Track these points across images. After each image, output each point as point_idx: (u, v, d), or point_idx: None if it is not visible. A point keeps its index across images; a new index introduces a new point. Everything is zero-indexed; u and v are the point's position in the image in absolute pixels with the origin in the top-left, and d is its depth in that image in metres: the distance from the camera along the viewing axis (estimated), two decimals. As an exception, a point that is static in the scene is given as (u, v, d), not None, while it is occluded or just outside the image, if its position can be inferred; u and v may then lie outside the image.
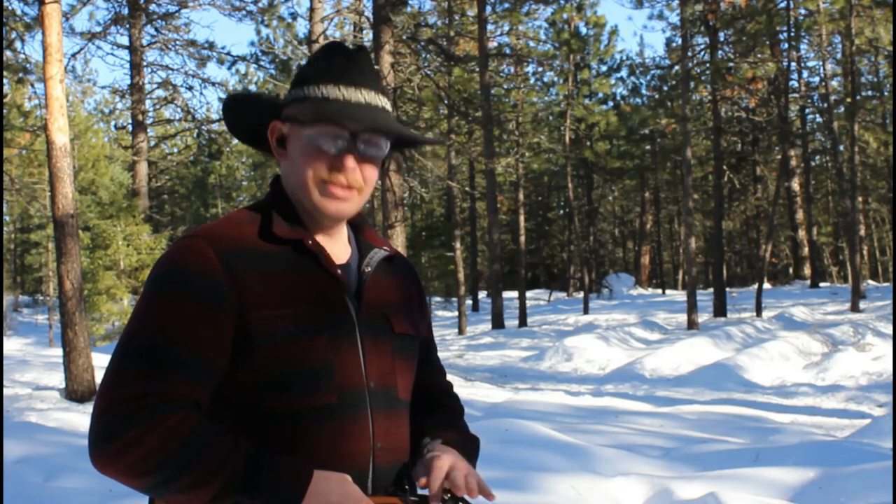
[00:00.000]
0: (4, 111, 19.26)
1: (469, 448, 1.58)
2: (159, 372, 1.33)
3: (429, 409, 1.63)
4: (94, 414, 1.32)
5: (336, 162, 1.45)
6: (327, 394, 1.40)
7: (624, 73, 37.42)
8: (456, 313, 26.82)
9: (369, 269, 1.53)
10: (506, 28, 26.99)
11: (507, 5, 24.64)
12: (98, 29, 21.41)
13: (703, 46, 24.15)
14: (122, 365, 1.34)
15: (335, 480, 1.35)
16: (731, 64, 23.44)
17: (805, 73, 32.31)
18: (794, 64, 28.65)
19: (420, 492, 1.50)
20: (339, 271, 1.47)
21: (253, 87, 37.70)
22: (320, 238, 1.50)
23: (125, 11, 21.06)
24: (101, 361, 10.71)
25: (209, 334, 1.36)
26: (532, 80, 30.77)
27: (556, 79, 29.96)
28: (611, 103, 32.54)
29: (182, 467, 1.29)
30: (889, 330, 15.64)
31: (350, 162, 1.46)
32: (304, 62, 1.47)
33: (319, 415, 1.40)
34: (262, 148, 1.61)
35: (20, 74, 16.04)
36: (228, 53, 22.77)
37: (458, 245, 26.32)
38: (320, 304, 1.43)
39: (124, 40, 23.67)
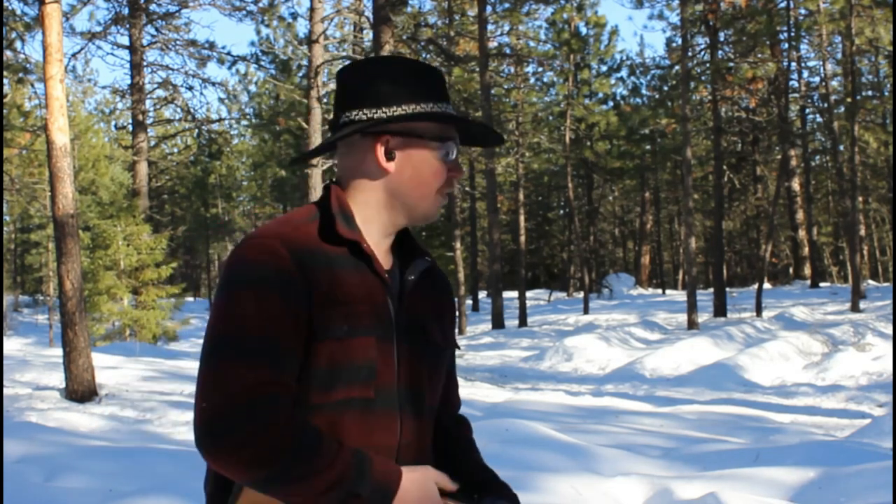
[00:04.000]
0: (4, 111, 19.26)
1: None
2: (268, 363, 1.39)
3: (454, 442, 1.73)
4: (207, 407, 1.36)
5: (457, 173, 1.61)
6: (367, 388, 1.49)
7: (624, 73, 37.38)
8: (456, 313, 26.79)
9: (412, 277, 1.61)
10: (506, 28, 27.00)
11: (507, 5, 24.64)
12: (98, 29, 21.42)
13: (703, 46, 24.14)
14: (228, 358, 1.39)
15: (419, 477, 1.47)
16: (731, 64, 23.43)
17: (805, 73, 32.34)
18: (794, 64, 28.67)
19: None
20: (387, 276, 1.56)
21: (253, 88, 37.74)
22: (371, 244, 1.58)
23: (125, 11, 21.06)
24: (101, 361, 10.72)
25: (295, 329, 1.44)
26: (532, 80, 30.75)
27: (556, 79, 29.96)
28: (611, 103, 32.53)
29: (302, 456, 1.36)
30: (889, 330, 15.64)
31: (462, 171, 1.63)
32: (380, 78, 1.59)
33: (357, 406, 1.48)
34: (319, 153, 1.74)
35: (20, 74, 16.05)
36: (228, 53, 22.78)
37: (458, 245, 26.30)
38: (372, 306, 1.52)
39: (124, 40, 23.67)
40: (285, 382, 1.40)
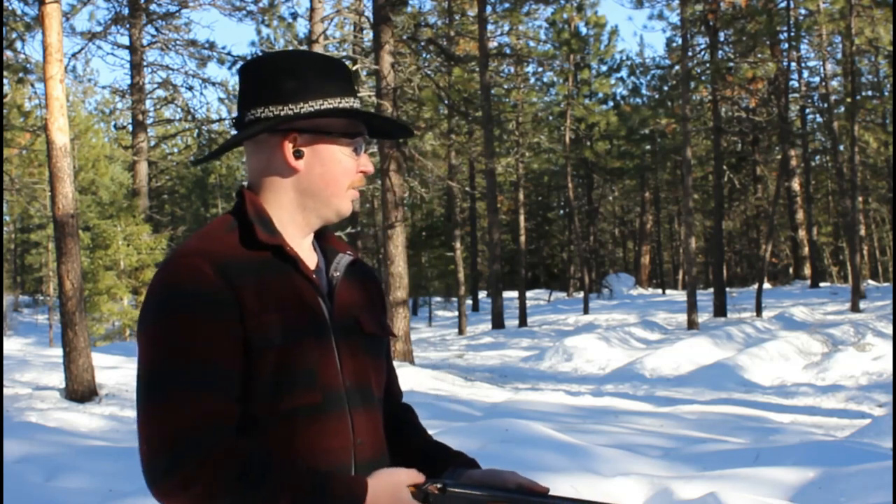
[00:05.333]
0: (4, 111, 19.26)
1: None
2: (206, 392, 1.36)
3: (402, 427, 1.71)
4: (146, 449, 1.35)
5: (366, 168, 1.59)
6: (313, 393, 1.46)
7: (624, 73, 37.33)
8: (456, 313, 26.81)
9: (338, 273, 1.59)
10: (506, 28, 26.99)
11: (507, 5, 24.64)
12: (98, 29, 21.42)
13: (703, 46, 24.15)
14: (162, 393, 1.36)
15: (387, 484, 1.43)
16: (731, 64, 23.43)
17: (805, 73, 32.35)
18: (794, 64, 28.66)
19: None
20: (314, 276, 1.54)
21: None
22: (293, 245, 1.56)
23: (125, 11, 21.06)
24: (101, 361, 10.72)
25: (230, 347, 1.41)
26: (532, 80, 30.76)
27: (556, 79, 29.96)
28: (611, 103, 32.52)
29: (251, 487, 1.33)
30: (889, 330, 15.64)
31: (372, 166, 1.61)
32: (283, 74, 1.54)
33: (306, 414, 1.46)
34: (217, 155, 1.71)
35: (20, 74, 16.03)
36: (229, 53, 22.75)
37: (458, 245, 26.31)
38: (302, 309, 1.49)
39: (124, 40, 23.64)
40: (227, 410, 1.37)
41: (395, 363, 1.76)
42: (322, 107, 1.52)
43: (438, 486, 1.47)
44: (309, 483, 1.36)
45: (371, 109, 21.28)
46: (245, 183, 1.61)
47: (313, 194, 1.55)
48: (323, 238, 1.64)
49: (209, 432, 1.34)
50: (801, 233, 31.44)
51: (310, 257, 1.58)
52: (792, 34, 24.71)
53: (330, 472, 1.40)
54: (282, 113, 1.51)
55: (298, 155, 1.53)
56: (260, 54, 1.67)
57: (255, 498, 1.33)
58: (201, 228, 1.55)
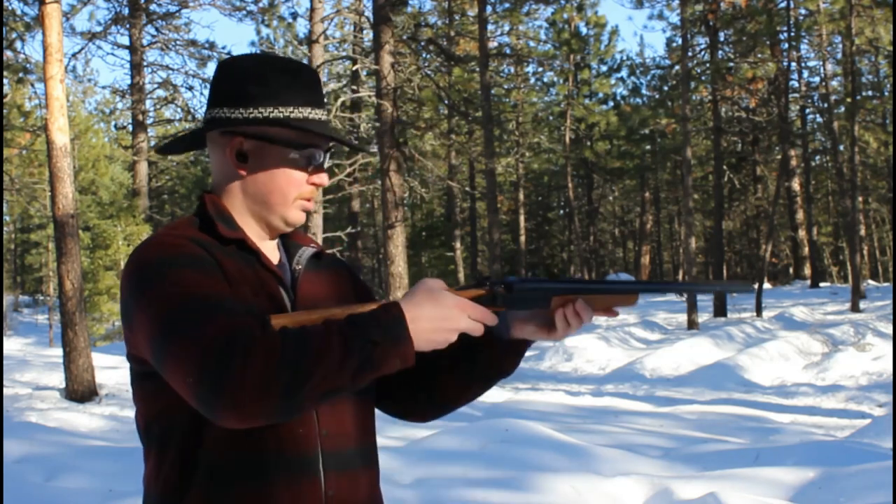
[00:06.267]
0: (4, 111, 19.25)
1: None
2: (222, 309, 1.35)
3: (438, 359, 1.62)
4: (195, 376, 1.29)
5: (317, 180, 1.57)
6: None
7: (624, 73, 37.27)
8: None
9: (300, 266, 1.59)
10: (506, 28, 27.01)
11: (507, 5, 24.65)
12: (98, 29, 21.42)
13: (703, 46, 24.16)
14: (183, 327, 1.33)
15: (415, 288, 1.41)
16: (731, 64, 23.44)
17: (805, 73, 32.33)
18: (794, 64, 28.65)
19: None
20: (276, 268, 1.55)
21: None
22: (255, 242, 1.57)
23: (125, 11, 21.06)
24: (101, 361, 10.72)
25: (228, 292, 1.42)
26: (532, 80, 30.76)
27: (556, 79, 29.97)
28: (611, 103, 32.50)
29: (299, 345, 1.30)
30: (889, 330, 15.64)
31: (326, 178, 1.59)
32: (246, 76, 1.55)
33: None
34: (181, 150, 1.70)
35: (20, 74, 16.04)
36: (229, 53, 22.72)
37: (458, 245, 26.33)
38: (266, 298, 1.50)
39: (124, 40, 23.63)
40: (249, 316, 1.35)
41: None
42: (271, 115, 1.52)
43: (503, 286, 1.48)
44: (346, 321, 1.34)
45: (371, 109, 21.23)
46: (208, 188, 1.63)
47: (258, 200, 1.55)
48: (287, 234, 1.64)
49: (240, 328, 1.31)
50: (801, 233, 31.43)
51: (273, 254, 1.59)
52: (792, 34, 24.70)
53: (359, 309, 1.38)
54: (232, 115, 1.53)
55: (243, 159, 1.54)
56: (233, 56, 1.66)
57: (307, 353, 1.29)
58: (165, 226, 1.56)
